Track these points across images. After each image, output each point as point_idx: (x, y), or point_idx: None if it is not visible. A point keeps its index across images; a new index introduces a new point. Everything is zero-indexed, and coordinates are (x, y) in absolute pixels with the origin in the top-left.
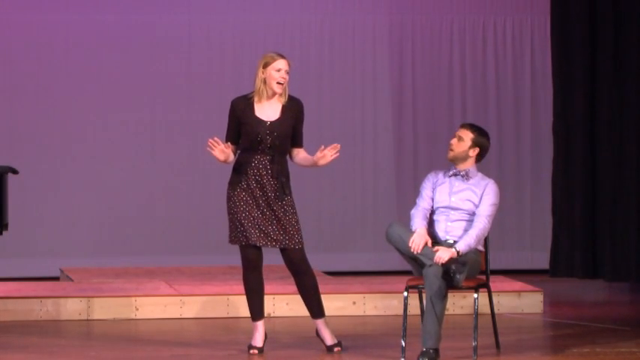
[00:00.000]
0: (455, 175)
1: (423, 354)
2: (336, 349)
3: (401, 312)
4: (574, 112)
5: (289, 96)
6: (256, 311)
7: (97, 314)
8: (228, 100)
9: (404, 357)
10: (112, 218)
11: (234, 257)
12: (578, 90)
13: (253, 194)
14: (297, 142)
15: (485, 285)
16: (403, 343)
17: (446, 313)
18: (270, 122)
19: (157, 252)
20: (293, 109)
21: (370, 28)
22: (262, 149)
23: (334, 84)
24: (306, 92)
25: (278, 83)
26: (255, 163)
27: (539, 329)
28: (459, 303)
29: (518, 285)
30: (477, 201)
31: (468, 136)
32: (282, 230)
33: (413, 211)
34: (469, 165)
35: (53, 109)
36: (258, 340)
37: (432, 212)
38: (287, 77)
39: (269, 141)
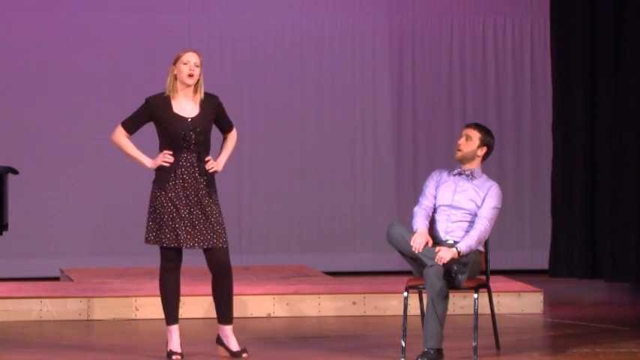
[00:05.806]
0: (460, 174)
1: (423, 354)
2: (244, 354)
3: (401, 312)
4: (574, 112)
5: (205, 93)
6: (172, 314)
7: (97, 314)
8: (229, 101)
9: (404, 357)
10: (112, 218)
11: (233, 258)
12: (578, 90)
13: (181, 194)
14: (225, 129)
15: (486, 285)
16: (403, 343)
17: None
18: (192, 118)
19: (157, 252)
20: (211, 104)
21: (370, 28)
22: (187, 147)
23: (334, 84)
24: (306, 92)
25: (188, 75)
26: (182, 162)
27: (539, 329)
28: (459, 303)
29: (518, 285)
30: (479, 202)
31: (475, 135)
32: (209, 229)
33: (416, 209)
34: (475, 165)
35: (53, 109)
36: (177, 345)
37: (434, 211)
38: (197, 70)
39: (193, 137)
